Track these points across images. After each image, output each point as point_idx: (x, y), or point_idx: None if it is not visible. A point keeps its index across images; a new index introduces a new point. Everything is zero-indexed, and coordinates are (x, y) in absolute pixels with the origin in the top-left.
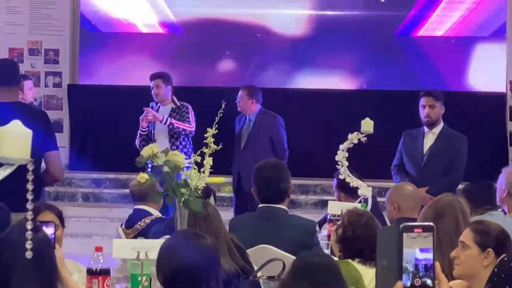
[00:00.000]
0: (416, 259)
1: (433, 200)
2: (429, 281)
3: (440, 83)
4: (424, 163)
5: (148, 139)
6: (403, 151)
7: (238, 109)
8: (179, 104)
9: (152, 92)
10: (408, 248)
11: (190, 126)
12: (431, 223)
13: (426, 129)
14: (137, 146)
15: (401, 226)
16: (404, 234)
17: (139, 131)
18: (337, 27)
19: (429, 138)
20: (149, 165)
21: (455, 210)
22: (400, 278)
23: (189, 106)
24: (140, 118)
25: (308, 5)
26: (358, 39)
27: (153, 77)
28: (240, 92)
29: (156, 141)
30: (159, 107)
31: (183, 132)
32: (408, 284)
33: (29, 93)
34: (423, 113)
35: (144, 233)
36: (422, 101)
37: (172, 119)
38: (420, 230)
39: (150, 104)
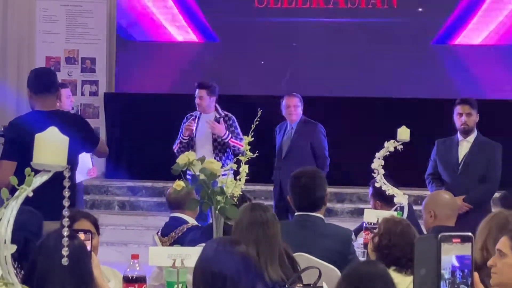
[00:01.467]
0: (453, 266)
1: (490, 216)
2: None
3: (477, 91)
4: (460, 171)
5: (189, 147)
6: (438, 160)
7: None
8: (223, 114)
9: (196, 101)
10: (445, 255)
11: (242, 145)
12: (469, 233)
13: (460, 137)
14: (175, 152)
15: (439, 236)
16: (443, 244)
17: (180, 138)
18: (373, 34)
19: (464, 146)
20: (188, 174)
21: None
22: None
23: (234, 118)
24: (184, 126)
25: (344, 14)
26: (395, 47)
27: (198, 86)
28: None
29: (198, 149)
30: (200, 115)
31: (234, 149)
32: None
33: (67, 101)
34: (459, 121)
35: (180, 241)
36: (458, 109)
37: (232, 137)
38: (459, 240)
39: (195, 113)
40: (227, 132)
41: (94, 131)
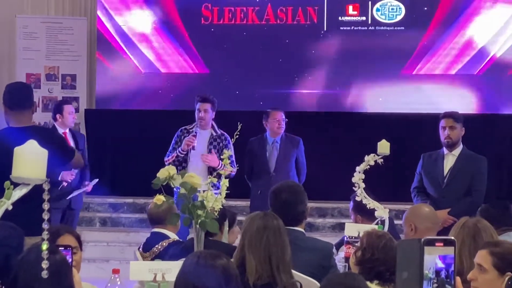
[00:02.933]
0: (437, 266)
1: (459, 227)
2: None
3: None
4: (445, 185)
5: (182, 161)
6: (423, 173)
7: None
8: (219, 132)
9: (198, 114)
10: (428, 255)
11: (234, 171)
12: (453, 238)
13: (445, 151)
14: (166, 163)
15: (422, 239)
16: (426, 247)
17: (178, 152)
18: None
19: (449, 160)
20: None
21: (487, 228)
22: None
23: (230, 139)
24: (185, 141)
25: (338, 27)
26: (371, 65)
27: (203, 100)
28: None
29: (190, 166)
30: (196, 132)
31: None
32: None
33: (69, 117)
34: (443, 134)
35: (161, 256)
36: (442, 122)
37: (224, 167)
38: (442, 244)
39: (194, 129)
40: (220, 162)
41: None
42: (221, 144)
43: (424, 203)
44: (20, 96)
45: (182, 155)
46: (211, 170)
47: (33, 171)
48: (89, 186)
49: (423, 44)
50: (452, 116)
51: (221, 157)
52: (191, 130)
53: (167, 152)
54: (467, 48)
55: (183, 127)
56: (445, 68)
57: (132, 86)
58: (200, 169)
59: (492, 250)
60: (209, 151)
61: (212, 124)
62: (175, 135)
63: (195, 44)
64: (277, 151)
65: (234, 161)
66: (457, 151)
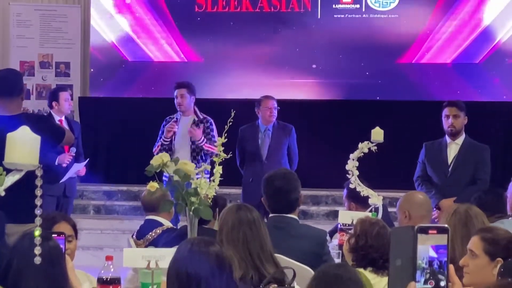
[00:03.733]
0: (429, 256)
1: (450, 214)
2: (442, 283)
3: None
4: (450, 173)
5: (169, 149)
6: (427, 162)
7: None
8: (201, 117)
9: (176, 101)
10: (421, 245)
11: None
12: (446, 225)
13: (448, 139)
14: (154, 153)
15: (416, 227)
16: (419, 235)
17: (162, 140)
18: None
19: (453, 149)
20: (166, 175)
21: (479, 215)
22: (414, 279)
23: (212, 122)
24: (166, 128)
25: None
26: (363, 49)
27: (178, 86)
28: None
29: (176, 152)
30: (179, 117)
31: (210, 155)
32: (422, 280)
33: (65, 104)
34: (447, 123)
35: (155, 244)
36: (446, 111)
37: (206, 142)
38: (435, 232)
39: (175, 116)
40: (203, 137)
41: (56, 125)
42: (203, 127)
43: (430, 192)
44: (9, 83)
45: (167, 143)
46: (194, 155)
47: (26, 157)
48: (82, 168)
49: (418, 32)
50: (456, 104)
51: (215, 144)
52: (175, 118)
53: (155, 143)
54: (466, 36)
55: (168, 117)
56: (443, 57)
57: (126, 75)
58: (184, 157)
59: (483, 236)
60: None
61: (194, 109)
62: (161, 125)
63: (188, 32)
64: (269, 139)
65: (216, 139)
66: (460, 139)
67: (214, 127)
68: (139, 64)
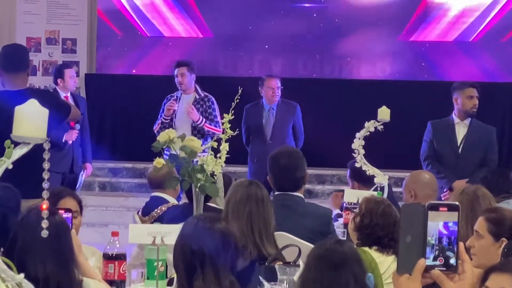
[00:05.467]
0: (439, 233)
1: (459, 193)
2: (452, 260)
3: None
4: (461, 154)
5: (169, 127)
6: (435, 141)
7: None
8: (202, 95)
9: (176, 80)
10: (432, 221)
11: (219, 130)
12: (457, 203)
13: (456, 119)
14: (156, 132)
15: (426, 204)
16: (430, 212)
17: (162, 118)
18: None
19: (461, 129)
20: (166, 153)
21: (486, 196)
22: (424, 256)
23: (213, 100)
24: (166, 106)
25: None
26: (372, 29)
27: (178, 64)
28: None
29: (177, 130)
30: (180, 95)
31: (212, 135)
32: (431, 257)
33: (71, 81)
34: (470, 103)
35: (160, 220)
36: (469, 91)
37: (206, 122)
38: (446, 209)
39: (175, 94)
40: (201, 117)
41: (62, 101)
42: (204, 106)
43: (441, 174)
44: (15, 58)
45: (167, 121)
46: (195, 133)
47: (34, 130)
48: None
49: (419, 10)
50: (476, 86)
51: (222, 121)
52: (175, 96)
53: (156, 121)
54: (465, 14)
55: (169, 95)
56: (442, 35)
57: (132, 51)
58: (185, 132)
59: (488, 216)
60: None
61: (195, 87)
62: (163, 103)
63: (199, 8)
64: (274, 118)
65: (220, 122)
66: (468, 120)
67: (215, 106)
68: (147, 40)
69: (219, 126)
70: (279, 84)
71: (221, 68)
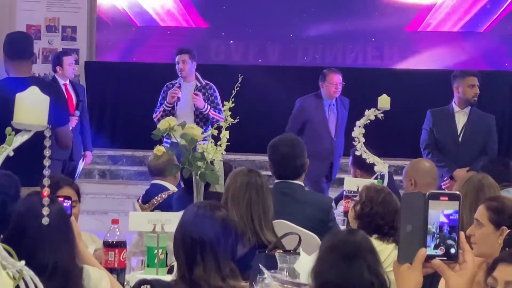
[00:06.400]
0: (440, 221)
1: (464, 181)
2: (453, 250)
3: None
4: (461, 142)
5: (171, 115)
6: (435, 129)
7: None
8: (204, 83)
9: (177, 67)
10: (432, 210)
11: (222, 118)
12: (458, 192)
13: (456, 108)
14: (156, 120)
15: (427, 193)
16: (430, 201)
17: (164, 106)
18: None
19: (461, 117)
20: (166, 140)
21: (492, 186)
22: (425, 245)
23: (215, 88)
24: (169, 93)
25: None
26: (371, 18)
27: (179, 52)
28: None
29: (178, 119)
30: (181, 83)
31: (216, 122)
32: (432, 245)
33: (69, 69)
34: (471, 92)
35: (160, 208)
36: (470, 80)
37: (212, 109)
38: (447, 199)
39: (177, 81)
40: (206, 104)
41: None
42: (207, 93)
43: (441, 163)
44: (20, 46)
45: (169, 109)
46: (197, 121)
47: (35, 118)
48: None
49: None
50: (476, 74)
51: (223, 108)
52: (175, 84)
53: (155, 109)
54: (474, 4)
55: (168, 82)
56: (451, 25)
57: (132, 39)
58: (188, 121)
59: (488, 205)
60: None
61: (196, 75)
62: (162, 91)
63: None
64: (335, 115)
65: (222, 109)
66: (468, 108)
67: (217, 94)
68: (146, 28)
69: (222, 113)
70: (341, 80)
71: (218, 56)
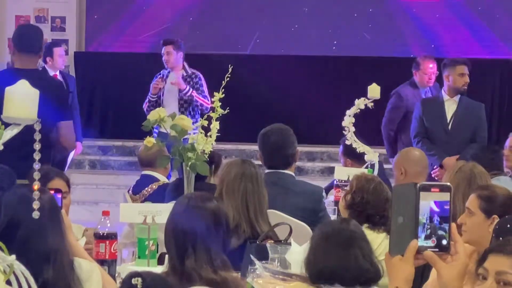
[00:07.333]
0: (431, 211)
1: (455, 171)
2: (444, 241)
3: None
4: (451, 131)
5: (157, 105)
6: (425, 118)
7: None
8: (190, 72)
9: (163, 58)
10: (423, 200)
11: (208, 103)
12: (449, 183)
13: (446, 96)
14: (145, 111)
15: (418, 184)
16: (421, 193)
17: (149, 97)
18: None
19: (451, 106)
20: (155, 131)
21: (483, 174)
22: (416, 237)
23: (201, 76)
24: (152, 84)
25: None
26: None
27: (164, 43)
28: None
29: (165, 108)
30: (169, 73)
31: (200, 107)
32: (423, 236)
33: (59, 60)
34: (461, 80)
35: (151, 199)
36: (460, 69)
37: (194, 91)
38: (438, 190)
39: (162, 72)
40: (188, 86)
41: (69, 106)
42: (192, 82)
43: (431, 151)
44: (30, 40)
45: (154, 99)
46: (182, 111)
47: (24, 111)
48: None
49: None
50: (466, 63)
51: (212, 99)
52: (164, 74)
53: (145, 99)
54: None
55: (158, 73)
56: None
57: (121, 29)
58: (173, 109)
59: (480, 194)
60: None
61: (183, 65)
62: (152, 82)
63: None
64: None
65: (208, 96)
66: (457, 96)
67: (203, 81)
68: (135, 16)
69: (208, 99)
70: (436, 69)
71: (208, 44)
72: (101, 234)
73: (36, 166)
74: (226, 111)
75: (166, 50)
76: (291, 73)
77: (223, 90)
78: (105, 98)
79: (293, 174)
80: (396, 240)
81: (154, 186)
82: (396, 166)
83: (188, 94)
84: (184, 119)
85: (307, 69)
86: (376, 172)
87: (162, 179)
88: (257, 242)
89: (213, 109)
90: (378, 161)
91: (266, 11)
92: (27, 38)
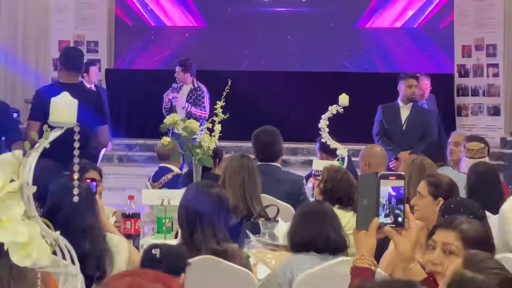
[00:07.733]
0: (389, 195)
1: (408, 163)
2: (400, 219)
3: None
4: (404, 131)
5: (171, 111)
6: (385, 121)
7: (178, 81)
8: (196, 85)
9: (175, 75)
10: (383, 186)
11: (204, 113)
12: (403, 173)
13: (401, 103)
14: (165, 114)
15: (379, 174)
16: (381, 180)
17: (164, 104)
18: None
19: (405, 111)
20: (171, 131)
21: (431, 166)
22: (377, 215)
23: (204, 90)
24: (164, 94)
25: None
26: (327, 30)
27: (177, 63)
28: (177, 68)
29: (177, 113)
30: (182, 85)
31: (199, 117)
32: (383, 214)
33: (94, 76)
34: (409, 91)
35: (167, 186)
36: (410, 81)
37: (192, 107)
38: (394, 178)
39: (175, 85)
40: (187, 104)
41: (105, 113)
42: (195, 94)
43: (389, 147)
44: (76, 61)
45: (168, 107)
46: (188, 117)
47: (66, 117)
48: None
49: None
50: (415, 77)
51: (215, 106)
52: (175, 86)
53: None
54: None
55: (174, 83)
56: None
57: (144, 49)
58: (181, 116)
59: (428, 180)
60: (187, 101)
61: (193, 80)
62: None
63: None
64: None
65: (207, 106)
66: (410, 104)
67: (205, 94)
68: (152, 40)
69: (205, 110)
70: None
71: (211, 62)
72: (127, 214)
73: (76, 160)
74: (226, 116)
75: (178, 69)
76: (279, 85)
77: (224, 99)
78: (130, 105)
79: (280, 165)
80: (361, 218)
81: (170, 175)
82: (362, 159)
83: (188, 110)
84: (193, 123)
85: (292, 82)
86: (345, 164)
87: (176, 170)
88: (252, 220)
89: (215, 114)
90: (347, 155)
91: (256, 36)
92: (72, 59)
